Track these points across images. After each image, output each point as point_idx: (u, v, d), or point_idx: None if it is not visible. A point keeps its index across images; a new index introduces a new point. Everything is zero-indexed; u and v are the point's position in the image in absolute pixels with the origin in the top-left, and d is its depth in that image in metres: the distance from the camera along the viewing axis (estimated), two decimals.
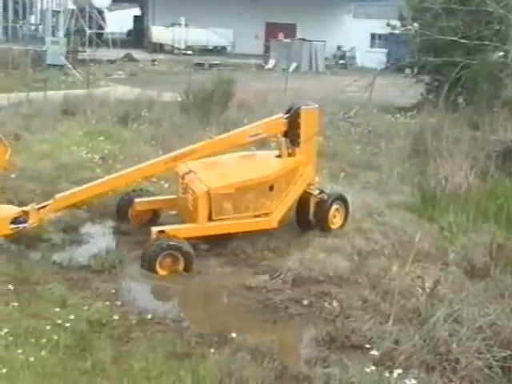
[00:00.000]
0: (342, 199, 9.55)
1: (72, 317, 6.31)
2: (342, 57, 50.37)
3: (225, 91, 17.24)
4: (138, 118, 16.72)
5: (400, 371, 5.53)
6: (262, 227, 8.82)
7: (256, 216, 8.73)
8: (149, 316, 6.58)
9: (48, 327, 6.07)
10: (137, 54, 42.95)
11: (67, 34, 38.34)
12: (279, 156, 9.24)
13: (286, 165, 9.10)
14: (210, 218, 8.43)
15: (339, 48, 51.00)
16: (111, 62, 37.80)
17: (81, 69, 29.53)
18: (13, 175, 10.99)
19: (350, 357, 5.97)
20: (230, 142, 9.29)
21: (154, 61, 40.79)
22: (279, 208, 8.84)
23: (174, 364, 5.65)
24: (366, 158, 13.85)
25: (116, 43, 45.72)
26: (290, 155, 9.15)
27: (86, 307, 6.63)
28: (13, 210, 8.31)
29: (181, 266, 7.97)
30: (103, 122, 16.14)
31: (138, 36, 57.24)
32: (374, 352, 5.99)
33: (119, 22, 56.56)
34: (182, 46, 49.23)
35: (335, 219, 9.40)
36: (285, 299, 7.28)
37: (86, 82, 21.58)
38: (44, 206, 8.39)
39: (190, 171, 8.78)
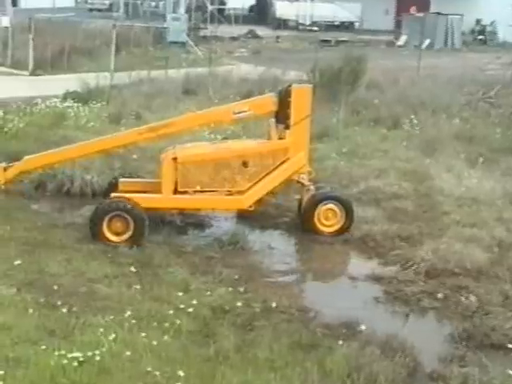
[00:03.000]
0: (340, 200, 8.82)
1: (194, 302, 6.47)
2: (481, 32, 48.70)
3: (353, 69, 17.04)
4: None
5: None
6: (232, 206, 8.66)
7: (228, 194, 8.50)
8: (273, 304, 6.64)
9: (170, 311, 6.26)
10: (260, 30, 43.21)
11: (188, 11, 38.96)
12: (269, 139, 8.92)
13: (269, 145, 8.75)
14: (176, 191, 8.40)
15: (478, 22, 49.32)
16: (233, 39, 38.22)
17: (202, 46, 30.06)
18: (134, 156, 11.36)
19: (489, 356, 5.83)
20: (213, 118, 9.21)
21: (277, 37, 40.90)
22: (255, 188, 8.48)
23: (300, 355, 5.68)
24: (508, 143, 13.38)
25: (238, 19, 46.15)
26: (280, 139, 8.74)
27: (208, 292, 6.79)
28: None
29: (130, 232, 8.00)
30: (226, 101, 16.31)
31: (260, 12, 57.48)
32: None
33: None
34: (307, 22, 49.09)
35: (328, 222, 8.72)
36: (417, 291, 7.18)
37: (207, 60, 21.90)
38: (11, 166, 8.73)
39: (171, 147, 8.84)
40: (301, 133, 8.67)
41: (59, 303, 6.29)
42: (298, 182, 8.88)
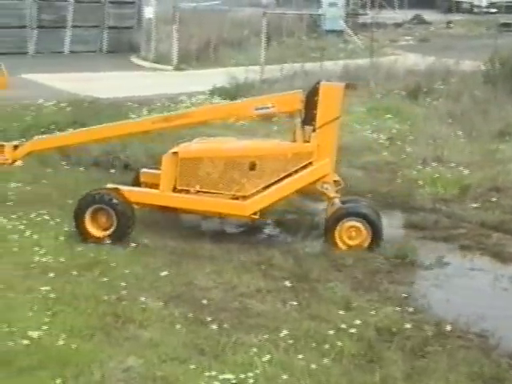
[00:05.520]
0: (366, 218, 8.41)
1: (357, 322, 6.46)
2: None
3: None
4: (431, 91, 16.71)
5: None
6: (232, 211, 8.56)
7: (232, 198, 8.43)
8: (448, 327, 6.52)
9: (331, 332, 6.27)
10: (427, 15, 42.67)
11: None
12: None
13: (286, 147, 8.62)
14: (174, 189, 8.51)
15: None
16: (397, 25, 37.94)
17: (362, 34, 30.04)
18: None
19: None
20: (232, 112, 9.43)
21: (449, 23, 40.27)
22: (261, 194, 8.34)
23: None
24: None
25: (402, 3, 45.75)
26: (306, 142, 8.51)
27: (372, 312, 6.76)
28: None
29: (113, 228, 8.18)
30: (390, 96, 16.33)
31: None
32: None
33: None
34: (484, 4, 47.90)
35: (350, 241, 8.35)
36: None
37: (368, 50, 21.88)
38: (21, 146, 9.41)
39: (188, 141, 9.11)
40: (327, 137, 8.49)
41: (209, 319, 6.45)
42: (322, 193, 8.67)
